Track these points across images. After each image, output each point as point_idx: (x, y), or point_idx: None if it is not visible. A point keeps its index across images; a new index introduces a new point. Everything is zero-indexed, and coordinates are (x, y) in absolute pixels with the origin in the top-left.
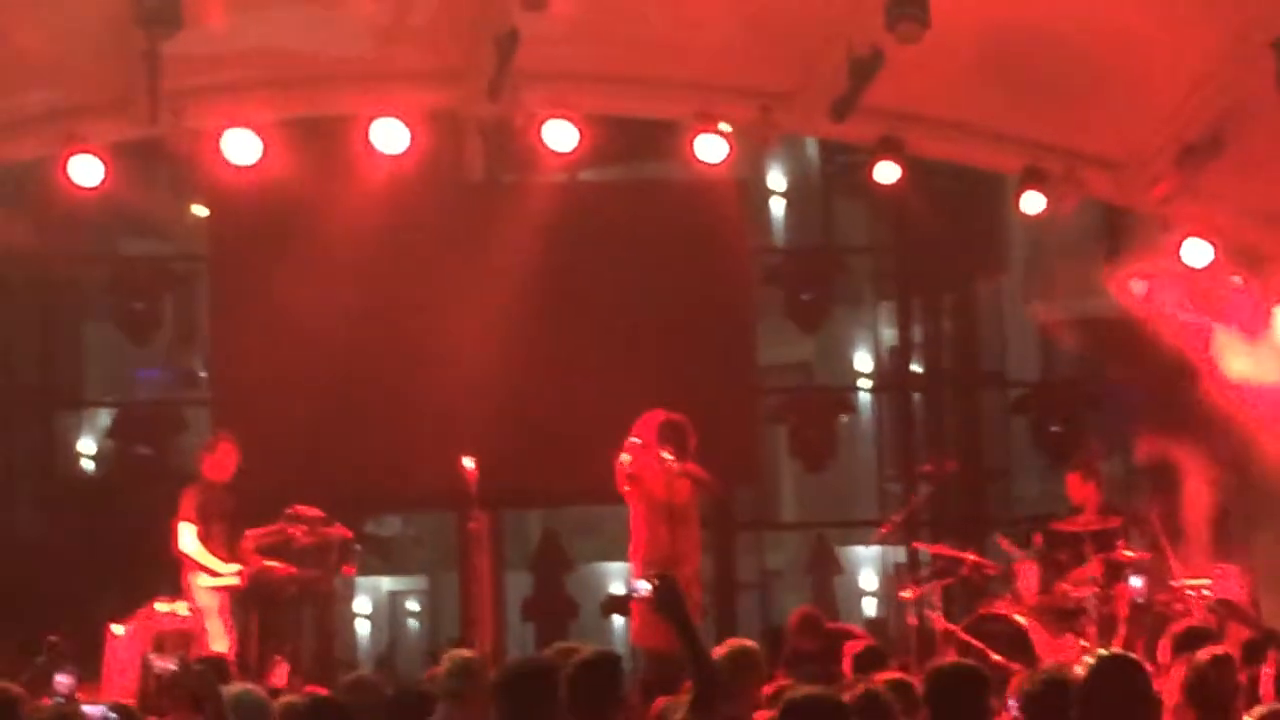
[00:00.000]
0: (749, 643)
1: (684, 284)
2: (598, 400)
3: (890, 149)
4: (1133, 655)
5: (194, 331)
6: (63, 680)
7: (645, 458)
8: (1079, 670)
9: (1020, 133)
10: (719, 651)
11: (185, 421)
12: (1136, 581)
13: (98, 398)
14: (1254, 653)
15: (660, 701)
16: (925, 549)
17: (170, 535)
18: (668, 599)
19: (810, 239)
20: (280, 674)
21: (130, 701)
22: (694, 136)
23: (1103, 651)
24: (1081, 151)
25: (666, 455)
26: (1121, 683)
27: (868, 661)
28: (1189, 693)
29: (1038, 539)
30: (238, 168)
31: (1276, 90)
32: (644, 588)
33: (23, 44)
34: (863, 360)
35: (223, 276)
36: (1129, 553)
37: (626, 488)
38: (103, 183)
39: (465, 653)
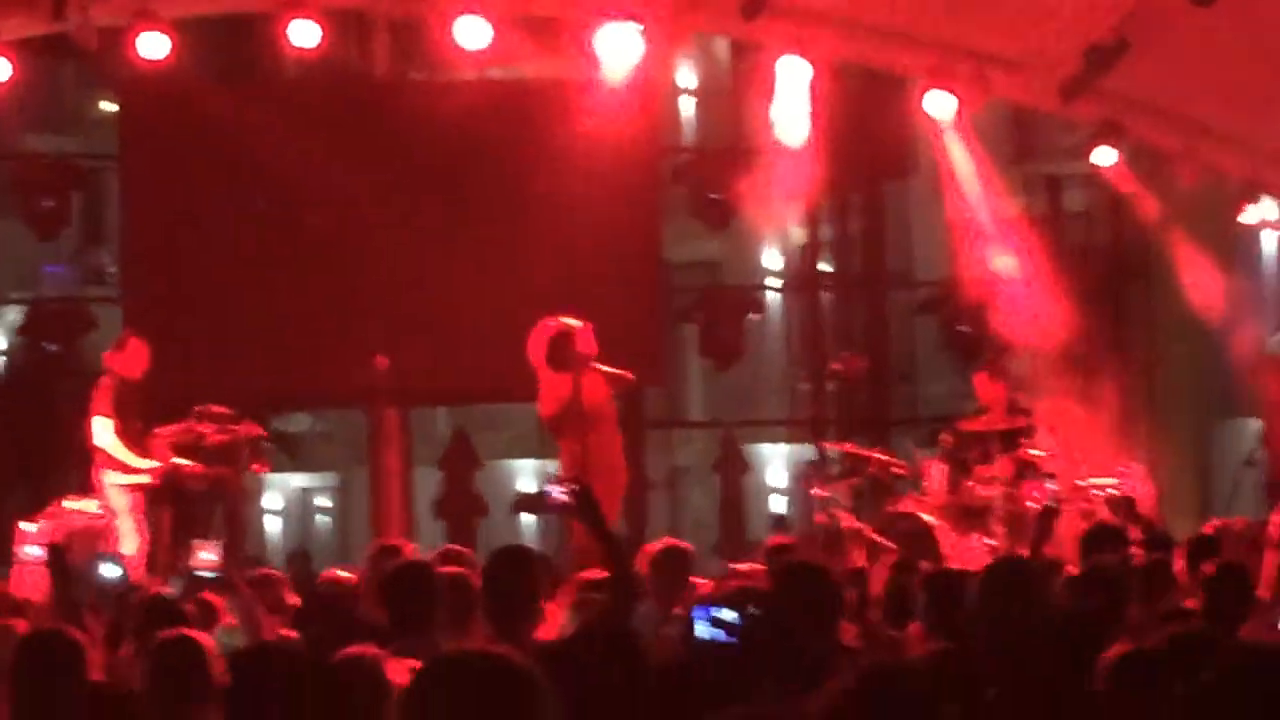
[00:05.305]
0: (682, 543)
1: (592, 182)
2: (505, 298)
3: (799, 48)
4: (1024, 557)
5: (102, 228)
6: None
7: (549, 384)
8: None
9: (927, 33)
10: (653, 549)
11: (94, 319)
12: (1049, 484)
13: (4, 294)
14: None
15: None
16: (834, 447)
17: (84, 431)
18: (583, 507)
19: (719, 138)
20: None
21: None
22: (604, 34)
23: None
24: (988, 52)
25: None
26: (1012, 584)
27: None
28: None
29: (945, 438)
30: (147, 64)
31: None
32: (559, 494)
33: None
34: (771, 259)
35: (133, 173)
36: (1035, 452)
37: (548, 422)
38: (9, 79)
39: (386, 543)
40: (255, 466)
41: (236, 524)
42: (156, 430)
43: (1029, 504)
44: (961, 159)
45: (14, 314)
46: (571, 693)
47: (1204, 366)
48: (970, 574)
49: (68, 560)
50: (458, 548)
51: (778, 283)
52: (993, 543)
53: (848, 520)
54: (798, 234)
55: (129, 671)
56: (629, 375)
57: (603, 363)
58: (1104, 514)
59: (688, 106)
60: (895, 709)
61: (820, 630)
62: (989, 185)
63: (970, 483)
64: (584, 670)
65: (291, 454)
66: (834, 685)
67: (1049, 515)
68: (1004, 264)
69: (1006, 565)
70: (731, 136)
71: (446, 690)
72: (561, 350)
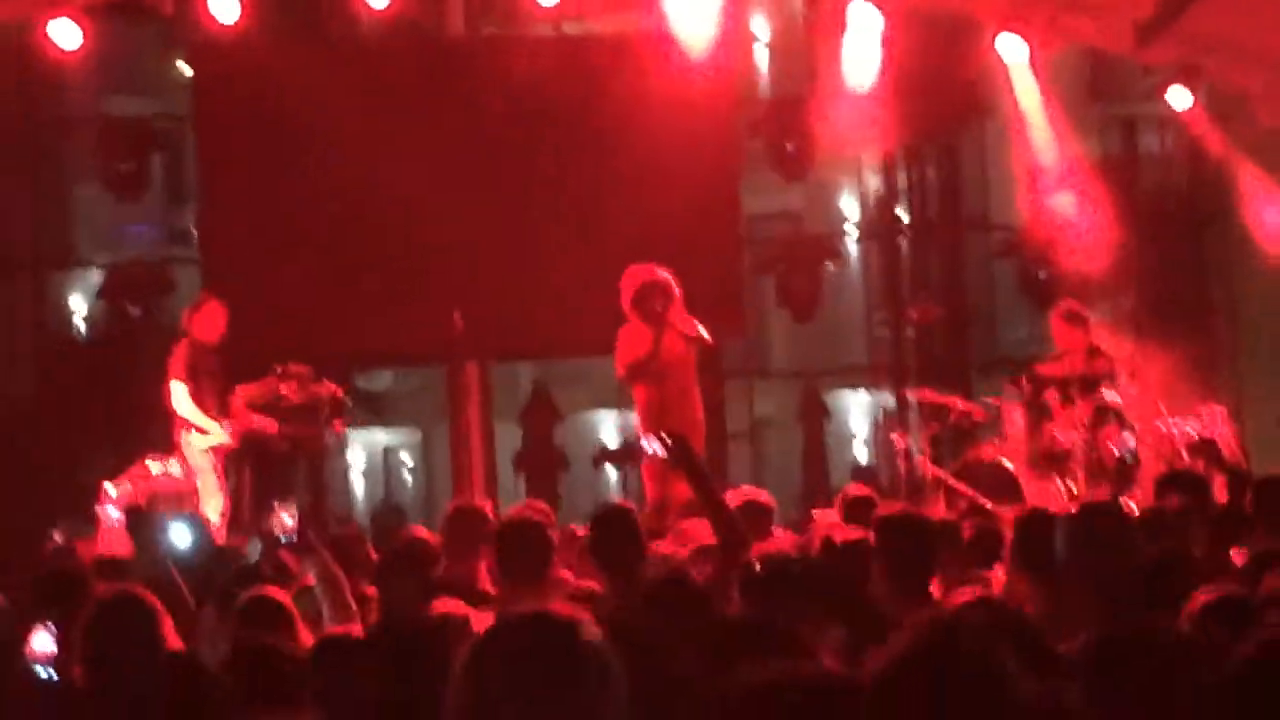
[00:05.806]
0: (762, 494)
1: (669, 136)
2: (584, 252)
3: None
4: (1114, 503)
5: (183, 190)
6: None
7: (630, 333)
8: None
9: None
10: (734, 500)
11: (174, 281)
12: (1128, 430)
13: (88, 257)
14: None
15: (659, 549)
16: (914, 394)
17: (163, 393)
18: (680, 457)
19: (793, 89)
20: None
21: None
22: None
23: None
24: None
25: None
26: (1101, 532)
27: (860, 509)
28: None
29: (1025, 383)
30: (220, 26)
31: None
32: (653, 447)
33: None
34: (849, 207)
35: (208, 135)
36: (1115, 396)
37: (623, 376)
38: (85, 43)
39: (464, 503)
40: (335, 425)
41: (318, 483)
42: (238, 389)
43: (1109, 449)
44: (1035, 102)
45: (96, 276)
46: (634, 652)
47: None
48: (1059, 517)
49: (149, 521)
50: (539, 503)
51: (855, 231)
52: (1073, 488)
53: (928, 467)
54: (874, 182)
55: (210, 633)
56: (707, 340)
57: (686, 315)
58: (1185, 457)
59: (762, 57)
60: (950, 667)
61: (912, 580)
62: (1063, 128)
63: (1050, 428)
64: (650, 628)
65: (374, 411)
66: (893, 642)
67: (1127, 463)
68: (1079, 207)
69: (1097, 509)
70: (806, 86)
71: (505, 654)
72: (648, 297)
